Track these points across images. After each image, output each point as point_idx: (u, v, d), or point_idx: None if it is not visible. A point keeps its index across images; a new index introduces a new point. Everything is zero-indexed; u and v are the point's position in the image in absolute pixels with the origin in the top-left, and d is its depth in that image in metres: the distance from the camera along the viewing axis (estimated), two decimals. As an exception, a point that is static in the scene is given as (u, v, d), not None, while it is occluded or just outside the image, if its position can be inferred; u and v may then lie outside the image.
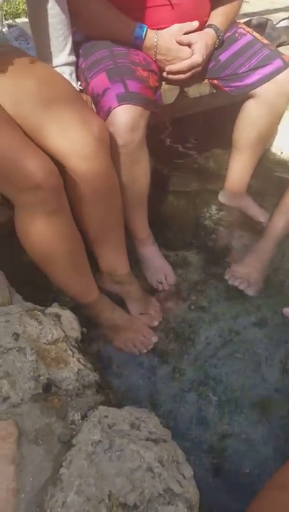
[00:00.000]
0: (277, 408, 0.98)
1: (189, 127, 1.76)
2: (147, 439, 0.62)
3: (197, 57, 1.15)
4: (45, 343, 0.73)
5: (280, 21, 1.66)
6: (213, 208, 1.56)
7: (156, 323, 1.15)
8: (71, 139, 0.82)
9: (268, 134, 1.42)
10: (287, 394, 1.01)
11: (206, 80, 1.32)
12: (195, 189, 1.64)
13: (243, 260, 1.26)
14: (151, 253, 1.27)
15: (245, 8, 1.99)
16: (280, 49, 1.52)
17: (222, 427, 0.95)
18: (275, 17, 1.72)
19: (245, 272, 1.21)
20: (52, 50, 0.96)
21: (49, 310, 0.81)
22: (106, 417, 0.64)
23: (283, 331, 1.14)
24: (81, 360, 0.75)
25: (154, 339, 1.10)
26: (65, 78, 0.93)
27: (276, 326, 1.16)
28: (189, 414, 0.97)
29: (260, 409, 0.98)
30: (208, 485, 0.86)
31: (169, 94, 1.27)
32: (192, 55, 1.15)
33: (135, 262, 1.24)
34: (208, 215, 1.54)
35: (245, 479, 0.87)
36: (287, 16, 1.69)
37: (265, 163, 1.65)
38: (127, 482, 0.56)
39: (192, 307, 1.21)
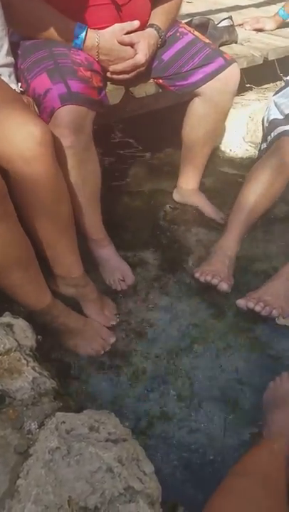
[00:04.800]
0: (237, 398, 1.00)
1: (140, 127, 1.78)
2: (107, 440, 0.62)
3: (140, 56, 1.15)
4: (-4, 354, 0.71)
5: (221, 21, 1.71)
6: (168, 206, 1.58)
7: (113, 323, 1.14)
8: (12, 143, 0.80)
9: (215, 132, 1.45)
10: (246, 384, 1.03)
11: (152, 80, 1.34)
12: (149, 189, 1.65)
13: (210, 258, 1.27)
14: (107, 254, 1.26)
15: (188, 9, 2.03)
16: (222, 48, 1.57)
17: (185, 421, 0.96)
18: (217, 17, 1.76)
19: (215, 269, 1.22)
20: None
21: (0, 320, 0.79)
22: (63, 422, 0.63)
23: (240, 322, 1.17)
24: (36, 368, 0.73)
25: (112, 339, 1.09)
26: (3, 81, 0.90)
27: (233, 318, 1.18)
28: (153, 412, 0.97)
29: (221, 401, 0.99)
30: (174, 479, 0.87)
31: (114, 94, 1.27)
32: (135, 54, 1.15)
33: (92, 264, 1.23)
34: (163, 213, 1.55)
35: (210, 471, 0.88)
36: (228, 16, 1.74)
37: (215, 160, 1.70)
38: (86, 485, 0.55)
39: (151, 306, 1.22)
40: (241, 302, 1.11)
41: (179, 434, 0.94)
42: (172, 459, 0.90)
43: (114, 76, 1.18)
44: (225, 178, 1.66)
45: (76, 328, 1.04)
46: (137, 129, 1.79)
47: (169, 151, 1.78)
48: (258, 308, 1.08)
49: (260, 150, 1.61)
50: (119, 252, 1.29)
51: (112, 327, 1.13)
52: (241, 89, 1.63)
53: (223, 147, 1.76)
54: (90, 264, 1.20)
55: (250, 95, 1.82)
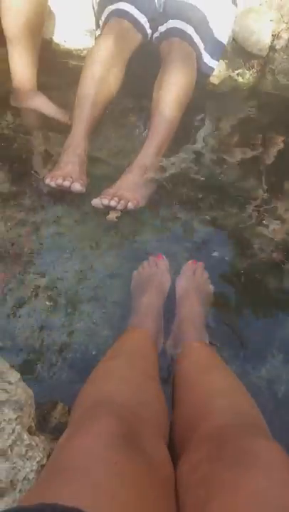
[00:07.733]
0: (108, 293, 1.03)
1: None
2: None
3: None
4: None
5: None
6: (8, 114, 1.41)
7: None
8: None
9: (36, 20, 1.27)
10: (116, 277, 1.06)
11: None
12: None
13: (59, 161, 1.18)
14: None
15: None
16: None
17: (65, 328, 0.97)
18: None
19: (66, 171, 1.13)
20: None
21: None
22: None
23: (104, 222, 1.16)
24: None
25: None
26: None
27: (97, 218, 1.17)
28: (29, 325, 0.96)
29: (94, 300, 1.01)
30: (61, 381, 0.89)
31: None
32: None
33: None
34: (5, 123, 1.39)
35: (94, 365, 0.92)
36: None
37: (50, 55, 1.52)
38: None
39: (9, 224, 1.13)
40: (96, 201, 1.08)
41: (61, 339, 0.95)
42: (57, 361, 0.92)
43: None
44: (65, 73, 1.52)
45: None
46: None
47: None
48: (113, 203, 1.06)
49: (96, 38, 1.48)
50: None
51: None
52: None
53: (56, 39, 1.56)
54: None
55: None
